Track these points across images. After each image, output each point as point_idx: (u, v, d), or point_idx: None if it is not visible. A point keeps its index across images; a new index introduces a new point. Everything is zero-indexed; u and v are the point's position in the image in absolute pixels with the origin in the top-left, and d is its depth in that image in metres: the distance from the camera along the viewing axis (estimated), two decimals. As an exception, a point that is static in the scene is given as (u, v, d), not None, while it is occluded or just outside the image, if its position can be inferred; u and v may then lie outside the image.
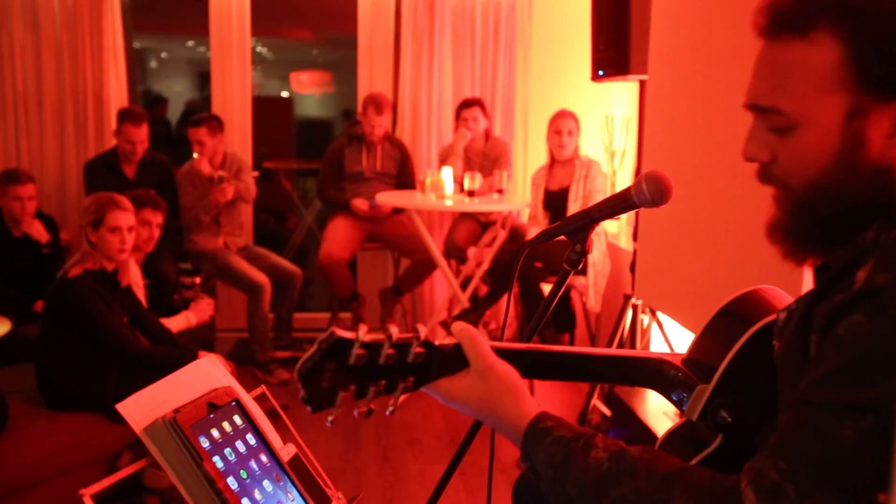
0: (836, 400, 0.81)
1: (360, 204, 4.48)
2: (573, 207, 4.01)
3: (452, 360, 1.05)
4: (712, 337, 1.18)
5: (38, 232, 3.84)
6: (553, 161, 4.19)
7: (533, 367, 1.14)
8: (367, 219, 4.53)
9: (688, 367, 1.17)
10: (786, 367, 0.99)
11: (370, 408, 1.01)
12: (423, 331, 1.01)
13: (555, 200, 4.13)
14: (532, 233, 4.17)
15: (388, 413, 1.03)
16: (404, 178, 4.64)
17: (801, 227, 0.98)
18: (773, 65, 0.97)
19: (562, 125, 4.09)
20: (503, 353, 1.09)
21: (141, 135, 4.22)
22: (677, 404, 1.17)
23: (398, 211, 4.53)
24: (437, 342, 1.04)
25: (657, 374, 1.19)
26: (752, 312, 1.14)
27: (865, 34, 0.90)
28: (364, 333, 0.98)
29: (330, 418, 1.00)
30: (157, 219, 3.46)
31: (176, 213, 4.38)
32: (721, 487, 0.86)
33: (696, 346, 1.19)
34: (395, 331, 1.00)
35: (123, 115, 4.21)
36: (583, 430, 1.01)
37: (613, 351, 1.22)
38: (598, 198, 3.84)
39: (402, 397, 1.03)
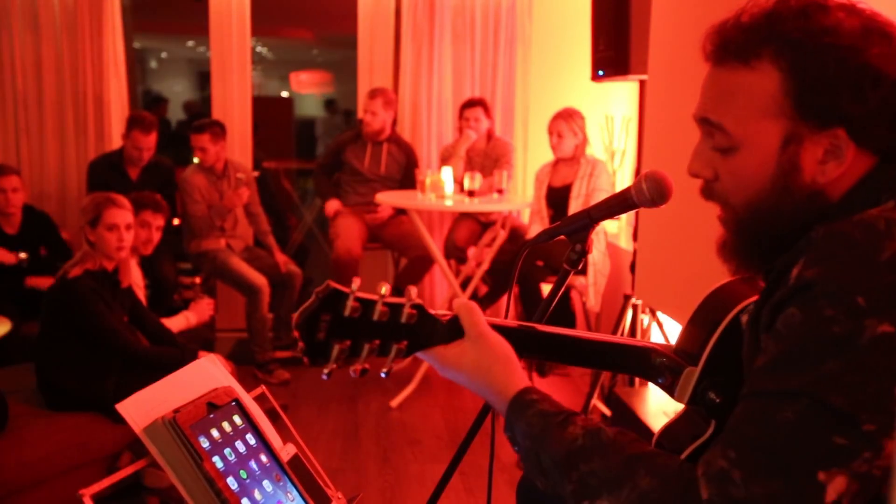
0: (775, 387, 0.86)
1: (328, 209, 4.59)
2: (574, 205, 4.01)
3: (448, 329, 1.08)
4: (697, 325, 1.20)
5: (12, 226, 3.80)
6: (558, 158, 4.20)
7: (525, 344, 1.15)
8: (370, 214, 4.54)
9: (678, 356, 1.19)
10: (748, 366, 1.04)
11: (364, 367, 1.03)
12: (413, 292, 1.04)
13: (557, 196, 4.13)
14: (534, 229, 4.17)
15: (382, 374, 1.05)
16: (407, 182, 4.62)
17: (744, 245, 1.06)
18: (718, 87, 1.04)
19: (553, 127, 4.09)
20: (497, 329, 1.11)
21: (149, 142, 4.24)
22: (666, 389, 1.19)
23: (401, 212, 4.53)
24: (433, 312, 1.07)
25: (645, 361, 1.21)
26: (733, 297, 1.17)
27: (803, 66, 0.96)
28: (357, 286, 1.01)
29: (326, 371, 1.01)
30: (158, 221, 3.46)
31: (175, 214, 4.38)
32: (687, 474, 0.89)
33: (683, 336, 1.22)
34: (386, 288, 1.03)
35: (134, 121, 4.21)
36: (566, 409, 1.04)
37: (605, 336, 1.24)
38: (600, 196, 3.84)
39: (399, 363, 1.07)
